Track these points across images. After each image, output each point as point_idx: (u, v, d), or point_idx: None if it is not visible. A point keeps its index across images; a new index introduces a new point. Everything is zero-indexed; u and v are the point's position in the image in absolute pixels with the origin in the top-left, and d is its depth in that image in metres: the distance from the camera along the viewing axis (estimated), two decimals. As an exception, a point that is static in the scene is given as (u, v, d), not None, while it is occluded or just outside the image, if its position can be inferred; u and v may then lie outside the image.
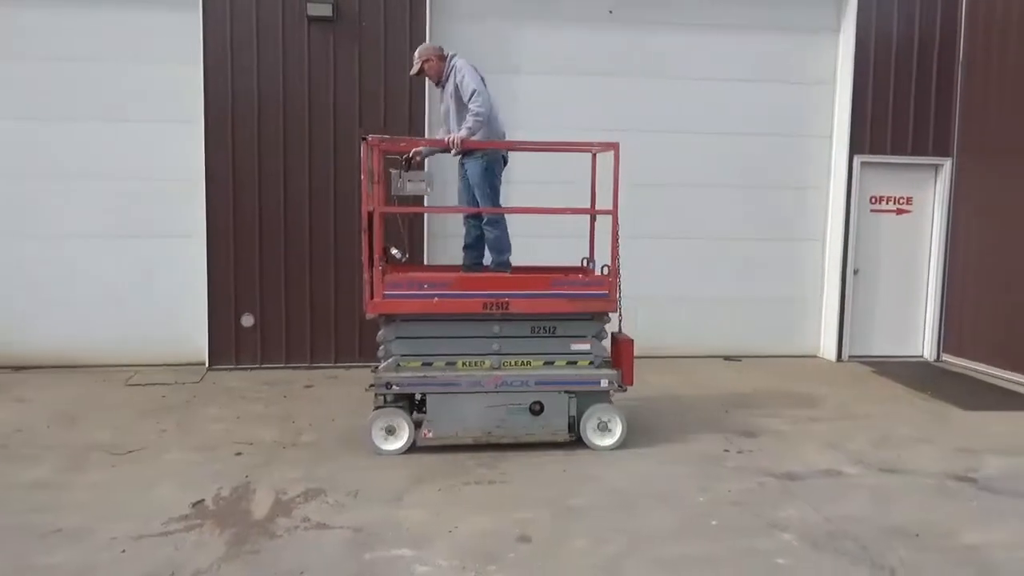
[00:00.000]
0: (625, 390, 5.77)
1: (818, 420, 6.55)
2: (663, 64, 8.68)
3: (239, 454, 5.49)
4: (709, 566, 3.91)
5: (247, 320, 8.19)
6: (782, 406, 6.97)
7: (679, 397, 7.20)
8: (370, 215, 5.50)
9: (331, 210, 8.20)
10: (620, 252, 5.71)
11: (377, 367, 5.67)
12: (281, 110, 8.07)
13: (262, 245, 8.16)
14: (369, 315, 5.62)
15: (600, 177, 6.10)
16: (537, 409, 5.59)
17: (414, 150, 6.19)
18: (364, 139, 5.59)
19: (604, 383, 5.65)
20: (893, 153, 8.92)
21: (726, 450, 5.72)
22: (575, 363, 5.69)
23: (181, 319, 8.23)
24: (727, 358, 8.90)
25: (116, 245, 8.14)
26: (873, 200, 9.07)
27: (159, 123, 8.06)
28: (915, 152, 8.95)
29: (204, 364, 8.18)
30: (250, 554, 3.96)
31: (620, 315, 5.85)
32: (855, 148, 8.85)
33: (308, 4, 7.90)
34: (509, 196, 6.08)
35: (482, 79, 5.86)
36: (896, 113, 8.86)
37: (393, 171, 5.90)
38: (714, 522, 4.45)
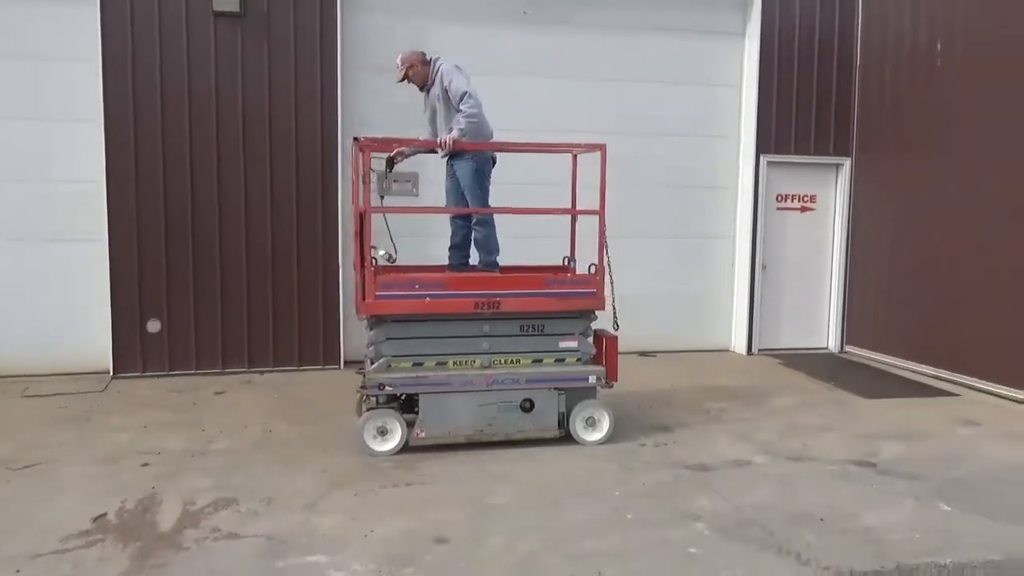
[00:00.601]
0: (611, 386, 5.87)
1: (729, 412, 6.75)
2: (576, 65, 8.78)
3: (145, 465, 5.28)
4: (624, 558, 3.97)
5: (153, 325, 7.89)
6: (696, 400, 7.15)
7: (596, 393, 7.29)
8: (361, 216, 5.45)
9: (241, 209, 7.98)
10: (607, 251, 5.82)
11: (362, 368, 5.68)
12: (187, 108, 7.80)
13: (168, 247, 7.87)
14: (361, 317, 5.61)
15: (559, 178, 6.16)
16: (528, 407, 5.65)
17: (397, 150, 6.14)
18: (355, 139, 5.54)
19: (592, 379, 5.75)
20: (797, 153, 9.28)
21: (642, 444, 5.82)
22: (563, 360, 5.77)
23: (83, 326, 7.86)
24: (642, 354, 9.07)
25: (11, 249, 7.71)
26: (779, 198, 9.41)
27: (55, 123, 7.67)
28: (817, 152, 9.33)
29: (108, 372, 7.84)
30: (155, 568, 3.81)
31: (615, 314, 5.98)
32: (761, 148, 9.16)
33: (214, -1, 7.68)
34: (493, 197, 6.18)
35: (467, 80, 5.86)
36: (799, 115, 9.22)
37: (376, 172, 5.80)
38: (629, 515, 4.52)
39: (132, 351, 7.87)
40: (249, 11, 7.84)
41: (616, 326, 6.01)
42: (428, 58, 5.99)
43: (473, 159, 5.94)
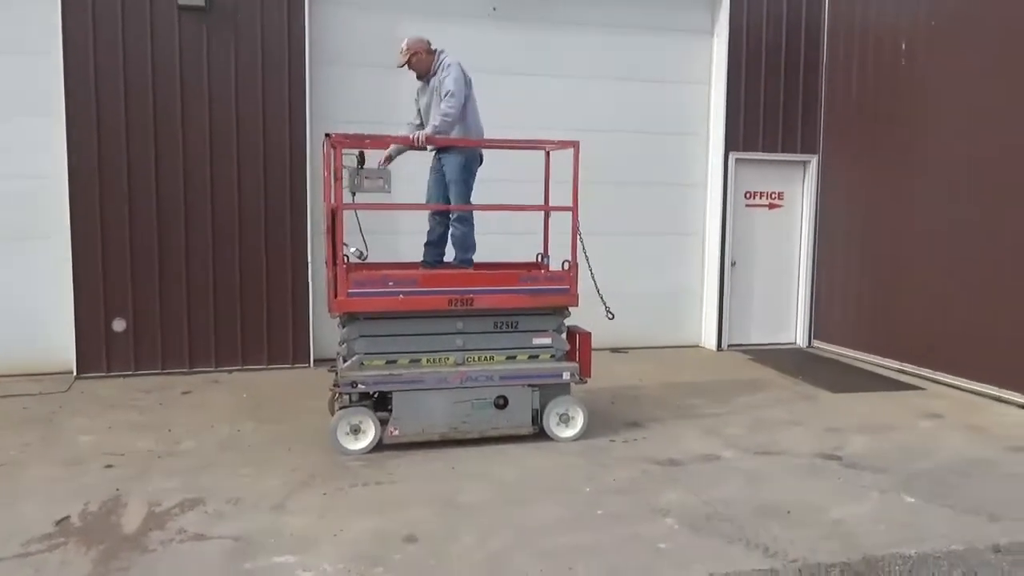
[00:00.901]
0: (585, 382, 5.88)
1: (699, 408, 6.80)
2: (545, 62, 8.79)
3: (110, 466, 5.19)
4: (594, 554, 3.98)
5: (118, 325, 7.76)
6: (666, 395, 7.20)
7: (567, 390, 7.30)
8: (333, 213, 5.39)
9: (208, 206, 7.87)
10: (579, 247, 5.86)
11: (334, 366, 5.64)
12: (151, 104, 7.66)
13: (133, 244, 7.73)
14: (333, 314, 5.55)
15: (531, 175, 6.20)
16: (501, 403, 5.64)
17: (387, 153, 6.11)
18: (327, 136, 5.48)
19: (566, 376, 5.76)
20: (765, 151, 9.36)
21: (612, 440, 5.84)
22: (537, 357, 5.77)
23: (45, 325, 7.70)
24: (614, 350, 9.10)
25: (-31, 247, 7.55)
26: (748, 196, 9.49)
27: (14, 117, 7.50)
28: (785, 150, 9.43)
29: (72, 373, 7.70)
30: (119, 571, 3.75)
31: (607, 311, 6.06)
32: (730, 146, 9.23)
33: (178, -8, 7.56)
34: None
35: (469, 80, 5.87)
36: (767, 112, 9.30)
37: (348, 168, 5.73)
38: (600, 511, 4.53)
39: (96, 351, 7.73)
40: (214, 5, 7.73)
41: (610, 315, 6.04)
42: (433, 48, 5.94)
43: (462, 155, 5.93)
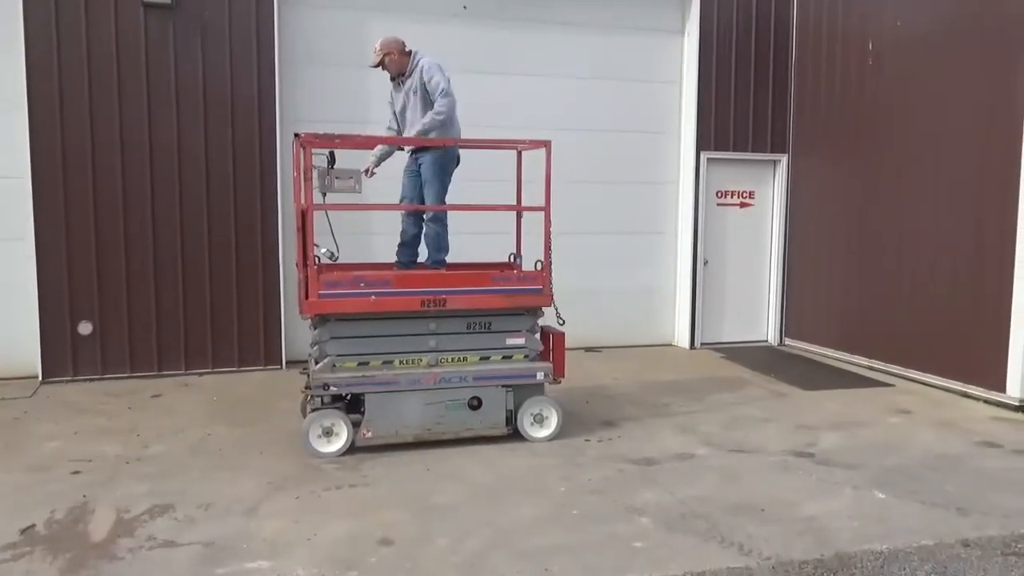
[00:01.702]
0: (559, 382, 5.86)
1: (673, 406, 6.83)
2: (518, 61, 8.78)
3: (77, 472, 5.09)
4: (570, 554, 3.97)
5: (85, 328, 7.60)
6: (640, 394, 7.22)
7: (542, 390, 7.30)
8: (303, 214, 5.33)
9: (176, 206, 7.75)
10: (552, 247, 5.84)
11: (306, 368, 5.57)
12: (116, 102, 7.52)
13: (99, 245, 7.59)
14: (304, 316, 5.49)
15: (503, 174, 6.21)
16: (475, 404, 5.62)
17: (374, 157, 6.08)
18: (296, 136, 5.41)
19: (540, 376, 5.74)
20: (736, 150, 9.44)
21: (587, 440, 5.85)
22: (510, 357, 5.75)
23: (8, 329, 7.53)
24: (588, 349, 9.12)
25: (-72, 250, 7.37)
26: (719, 194, 9.56)
27: (-25, 115, 7.36)
28: (755, 149, 9.51)
29: (37, 377, 7.53)
30: (87, 580, 3.68)
31: (556, 310, 5.96)
32: (701, 145, 9.28)
33: (144, -10, 7.43)
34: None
35: (447, 79, 5.83)
36: (737, 112, 9.37)
37: (318, 168, 5.66)
38: (575, 511, 4.53)
39: (62, 354, 7.58)
40: (180, 4, 7.60)
41: (561, 321, 6.02)
42: (408, 49, 5.91)
43: (439, 154, 5.91)
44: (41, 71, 7.32)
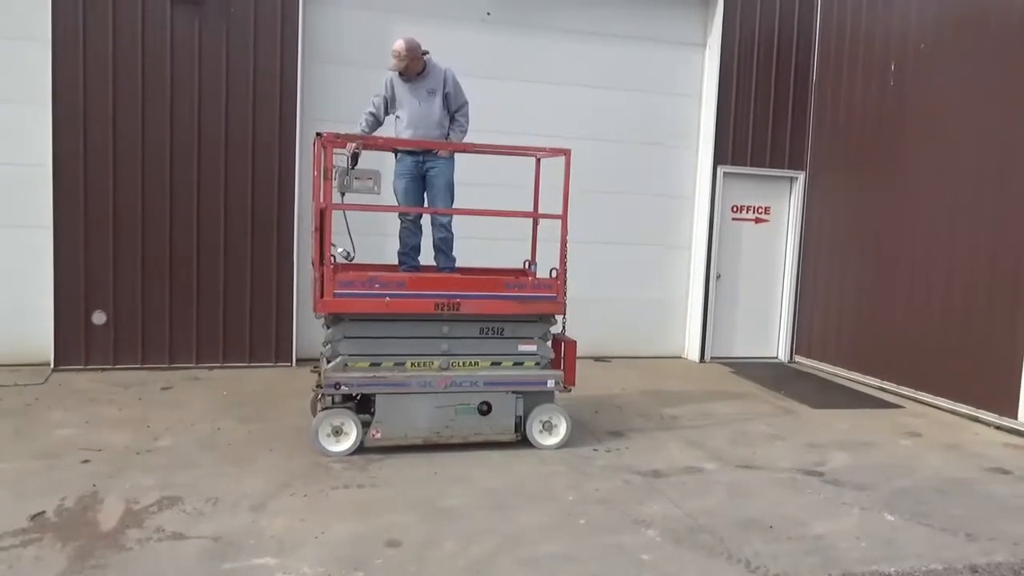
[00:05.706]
0: (569, 391, 5.87)
1: (681, 419, 6.81)
2: (538, 70, 8.80)
3: (86, 461, 5.11)
4: (576, 563, 3.96)
5: (99, 317, 7.65)
6: (648, 406, 7.20)
7: (550, 397, 7.29)
8: (322, 213, 5.36)
9: (194, 200, 7.79)
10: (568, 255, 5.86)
11: (317, 367, 5.58)
12: (140, 95, 7.58)
13: (116, 236, 7.64)
14: (318, 314, 5.50)
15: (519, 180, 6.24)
16: (485, 409, 5.62)
17: (351, 151, 5.99)
18: (318, 135, 5.44)
19: (550, 384, 5.74)
20: (753, 165, 9.42)
21: (595, 449, 5.84)
22: (521, 364, 5.76)
23: (23, 316, 7.59)
24: (597, 359, 9.11)
25: (-53, 234, 7.43)
26: (734, 209, 9.55)
27: (1, 104, 7.41)
28: (773, 165, 9.49)
29: (49, 365, 7.58)
30: (95, 569, 3.69)
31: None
32: (719, 159, 9.28)
33: (172, -16, 7.49)
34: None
35: None
36: (756, 127, 9.37)
37: (339, 168, 5.68)
38: (582, 520, 4.52)
39: (75, 343, 7.62)
40: (208, -1, 7.67)
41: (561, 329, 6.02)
42: (421, 52, 6.01)
43: (453, 162, 6.08)
44: (67, 62, 7.38)
